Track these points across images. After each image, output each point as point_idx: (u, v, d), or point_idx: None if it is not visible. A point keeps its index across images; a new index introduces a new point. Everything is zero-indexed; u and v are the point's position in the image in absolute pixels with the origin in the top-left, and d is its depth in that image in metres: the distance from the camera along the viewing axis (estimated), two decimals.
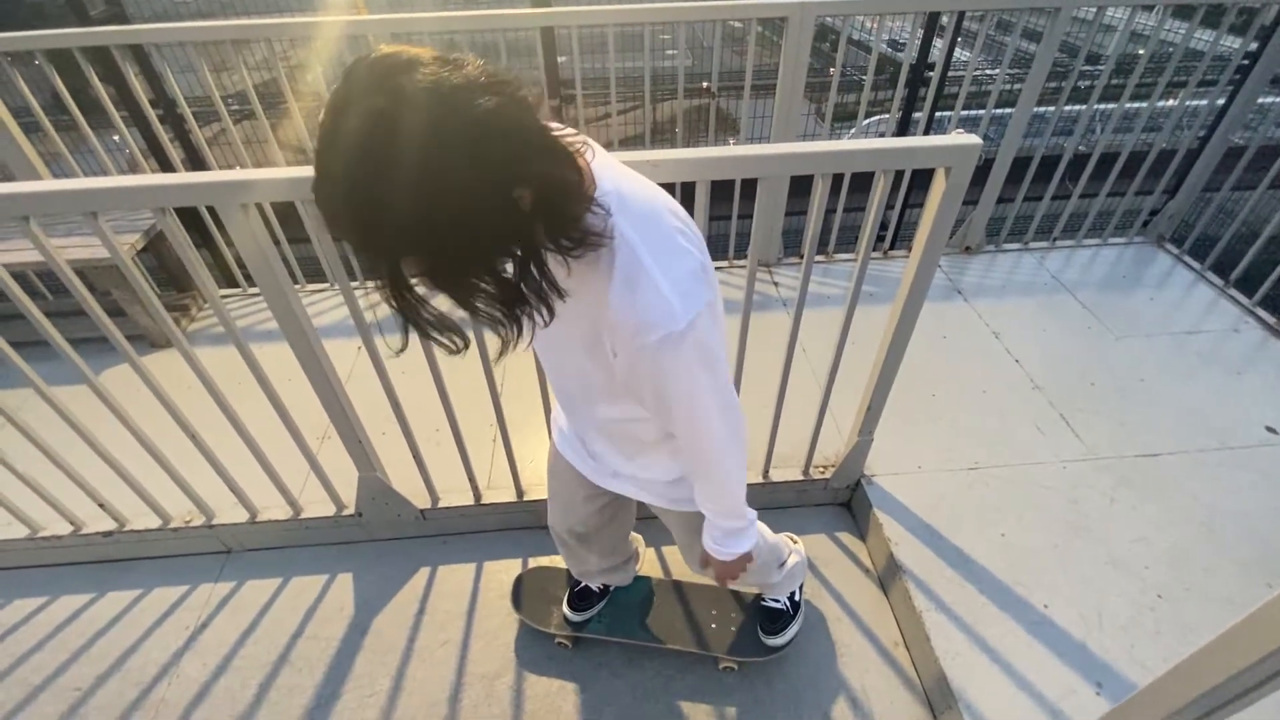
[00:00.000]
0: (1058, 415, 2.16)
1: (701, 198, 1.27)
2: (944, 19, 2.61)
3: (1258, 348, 2.44)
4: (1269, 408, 2.16)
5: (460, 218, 0.57)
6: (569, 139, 0.66)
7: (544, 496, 1.45)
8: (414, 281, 0.63)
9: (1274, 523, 1.79)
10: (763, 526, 1.40)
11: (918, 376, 2.26)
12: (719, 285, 0.85)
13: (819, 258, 3.02)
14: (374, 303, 0.72)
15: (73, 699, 1.59)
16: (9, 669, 1.65)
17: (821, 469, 1.93)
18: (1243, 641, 0.74)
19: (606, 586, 1.66)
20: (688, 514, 1.16)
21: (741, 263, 3.00)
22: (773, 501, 1.98)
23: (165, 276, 2.86)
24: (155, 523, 1.82)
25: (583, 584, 1.63)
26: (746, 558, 1.12)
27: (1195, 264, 2.88)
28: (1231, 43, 2.65)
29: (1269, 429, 2.08)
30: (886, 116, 2.83)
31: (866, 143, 1.21)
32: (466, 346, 0.70)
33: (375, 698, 1.59)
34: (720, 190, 1.50)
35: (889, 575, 1.75)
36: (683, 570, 1.78)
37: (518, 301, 0.67)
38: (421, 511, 1.86)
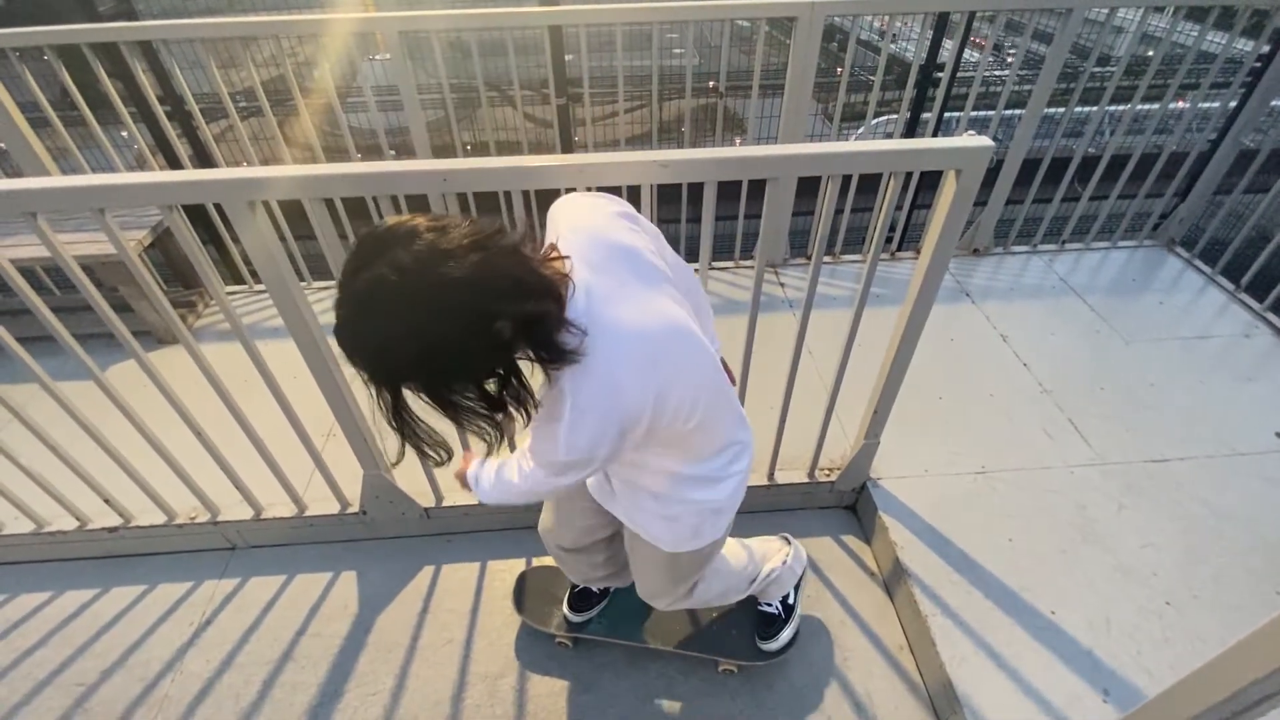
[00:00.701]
0: (1066, 420, 2.14)
1: (709, 198, 1.26)
2: (954, 18, 2.60)
3: (1268, 353, 2.41)
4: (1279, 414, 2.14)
5: (449, 353, 0.71)
6: (553, 270, 0.81)
7: None
8: (409, 403, 0.77)
9: None
10: (732, 543, 1.43)
11: (925, 379, 2.24)
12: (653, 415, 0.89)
13: (826, 259, 3.01)
14: None
15: (77, 694, 1.60)
16: (14, 664, 1.66)
17: (827, 471, 1.92)
18: (1254, 652, 0.73)
19: (607, 588, 1.65)
20: (656, 550, 1.16)
21: (748, 263, 2.99)
22: (777, 504, 1.97)
23: (172, 273, 2.88)
24: (160, 519, 1.83)
25: (583, 585, 1.63)
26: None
27: (1206, 268, 2.86)
28: (1244, 45, 2.63)
29: (1279, 435, 2.06)
30: (895, 117, 2.82)
31: (875, 144, 1.20)
32: (450, 459, 0.87)
33: (378, 696, 1.59)
34: (727, 190, 1.49)
35: (894, 579, 1.74)
36: None
37: (501, 410, 0.80)
38: (426, 510, 1.86)
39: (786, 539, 1.61)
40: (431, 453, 0.85)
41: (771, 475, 1.90)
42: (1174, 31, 2.50)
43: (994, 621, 1.59)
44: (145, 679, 1.62)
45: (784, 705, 1.56)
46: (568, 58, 2.63)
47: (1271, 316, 2.55)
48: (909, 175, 2.83)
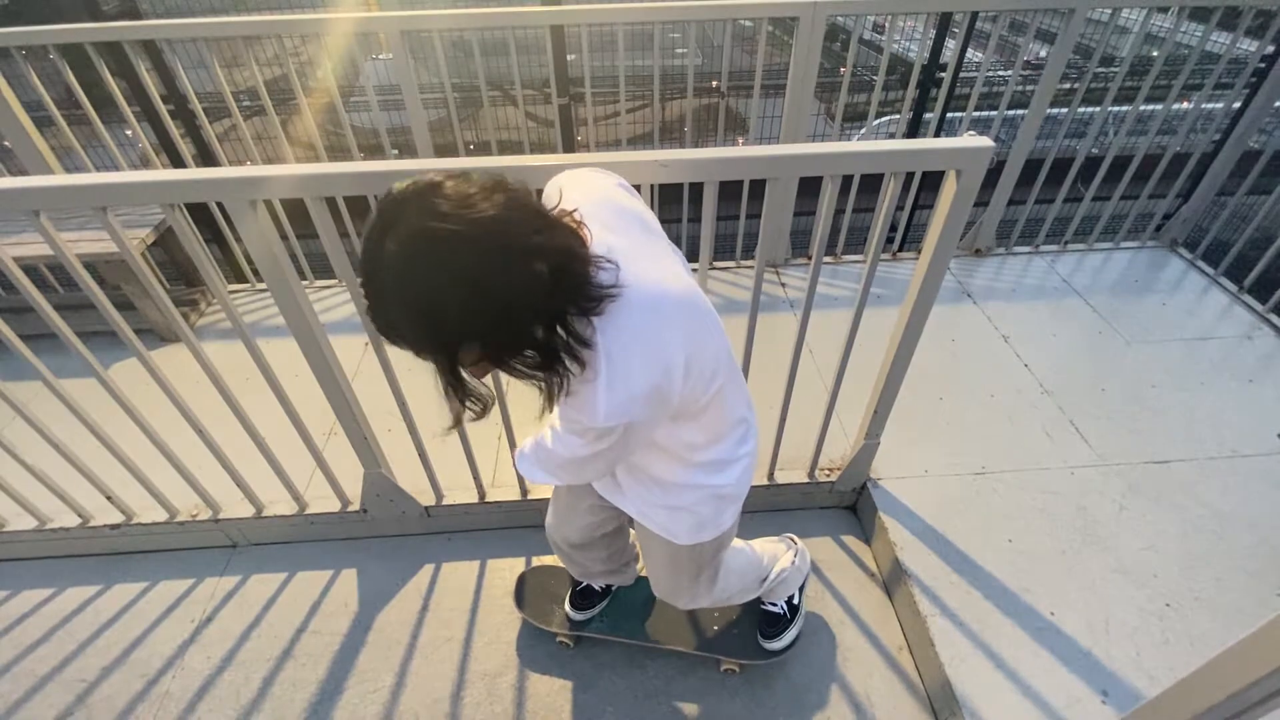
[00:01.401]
0: (1067, 421, 2.14)
1: (709, 198, 1.26)
2: (956, 18, 2.59)
3: (1271, 355, 2.41)
4: None
5: (501, 297, 0.67)
6: (568, 217, 0.78)
7: (548, 495, 1.45)
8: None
9: None
10: (740, 547, 1.42)
11: (925, 379, 2.25)
12: (701, 381, 0.89)
13: (827, 259, 3.01)
14: None
15: (79, 690, 1.60)
16: (16, 659, 1.67)
17: (827, 471, 1.92)
18: (1253, 654, 0.73)
19: (609, 586, 1.66)
20: (669, 544, 1.16)
21: (749, 263, 2.99)
22: (777, 503, 1.97)
23: (174, 271, 2.88)
24: (162, 516, 1.83)
25: (585, 583, 1.63)
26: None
27: (1209, 269, 2.85)
28: (1248, 45, 2.62)
29: None
30: (897, 117, 2.82)
31: (876, 144, 1.20)
32: (489, 409, 0.85)
33: (378, 693, 1.59)
34: (728, 190, 1.49)
35: (894, 579, 1.74)
36: None
37: (555, 360, 0.76)
38: (426, 509, 1.87)
39: (792, 540, 1.61)
40: (473, 408, 0.83)
41: (772, 475, 1.90)
42: (1178, 32, 2.49)
43: (993, 622, 1.59)
44: (146, 675, 1.63)
45: (783, 705, 1.56)
46: (570, 57, 2.63)
47: (1274, 318, 2.55)
48: (910, 176, 2.83)
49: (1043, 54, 2.54)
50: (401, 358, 1.48)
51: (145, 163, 2.60)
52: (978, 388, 2.28)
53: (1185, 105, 3.21)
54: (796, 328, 1.53)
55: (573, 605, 1.63)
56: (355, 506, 1.85)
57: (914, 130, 2.84)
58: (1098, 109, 2.67)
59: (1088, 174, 2.79)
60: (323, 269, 2.97)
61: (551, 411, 0.90)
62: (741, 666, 1.60)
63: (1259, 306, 2.60)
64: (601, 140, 5.39)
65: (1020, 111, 2.70)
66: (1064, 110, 2.70)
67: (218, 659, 1.66)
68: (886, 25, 2.44)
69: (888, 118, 5.18)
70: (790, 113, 2.51)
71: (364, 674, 1.63)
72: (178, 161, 2.62)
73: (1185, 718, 0.84)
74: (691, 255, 1.23)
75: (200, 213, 2.81)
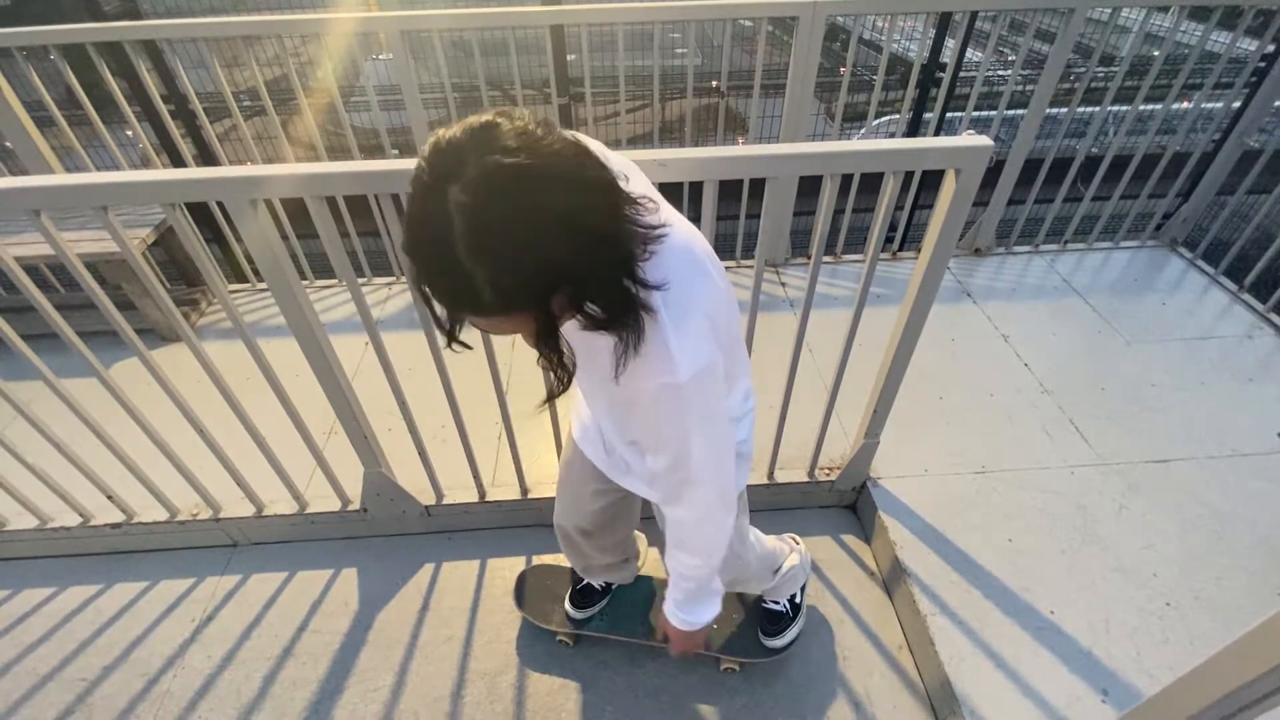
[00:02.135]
0: (1067, 420, 2.14)
1: (709, 197, 1.26)
2: (956, 18, 2.59)
3: (1271, 354, 2.41)
4: None
5: (590, 231, 0.61)
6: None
7: (548, 495, 1.46)
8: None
9: None
10: (757, 532, 1.41)
11: (925, 379, 2.25)
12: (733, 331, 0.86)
13: (827, 258, 3.01)
14: (381, 300, 0.75)
15: (80, 689, 1.61)
16: (17, 658, 1.67)
17: (827, 471, 1.92)
18: (1252, 651, 0.73)
19: (609, 584, 1.66)
20: None
21: (749, 263, 2.99)
22: (777, 503, 1.97)
23: (175, 271, 2.89)
24: (163, 515, 1.84)
25: (585, 581, 1.63)
26: (709, 628, 1.10)
27: (1208, 269, 2.85)
28: (1248, 45, 2.62)
29: None
30: (896, 117, 2.82)
31: (876, 143, 1.20)
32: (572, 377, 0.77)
33: (378, 693, 1.59)
34: (728, 190, 1.49)
35: (894, 578, 1.75)
36: None
37: (628, 311, 0.69)
38: (426, 508, 1.87)
39: (794, 540, 1.62)
40: (563, 375, 0.75)
41: (771, 474, 1.90)
42: (1177, 31, 2.49)
43: (993, 621, 1.59)
44: (147, 675, 1.63)
45: (783, 704, 1.56)
46: (570, 57, 2.63)
47: (1274, 317, 2.55)
48: (910, 175, 2.83)
49: (1044, 49, 2.55)
50: (403, 357, 1.49)
51: (146, 163, 2.60)
52: (977, 387, 2.28)
53: (1185, 105, 3.21)
54: (796, 327, 1.53)
55: (573, 604, 1.63)
56: (355, 506, 1.85)
57: (914, 130, 2.84)
58: (1097, 109, 2.67)
59: (1087, 173, 2.79)
60: (322, 269, 2.97)
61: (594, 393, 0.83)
62: (741, 665, 1.60)
63: (1259, 306, 2.60)
64: (601, 140, 5.39)
65: (1020, 111, 2.70)
66: (1064, 110, 2.70)
67: (218, 658, 1.66)
68: (886, 25, 2.45)
69: (887, 117, 5.19)
70: (790, 112, 2.52)
71: (364, 673, 1.63)
72: (178, 161, 2.63)
73: (1184, 716, 0.84)
74: None
75: (200, 213, 2.81)
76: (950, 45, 2.63)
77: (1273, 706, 0.75)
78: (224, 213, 2.72)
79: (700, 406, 0.79)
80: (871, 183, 2.14)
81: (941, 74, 2.67)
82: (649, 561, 1.80)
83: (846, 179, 1.60)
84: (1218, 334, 2.51)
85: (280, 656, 1.66)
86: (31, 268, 2.56)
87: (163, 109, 2.46)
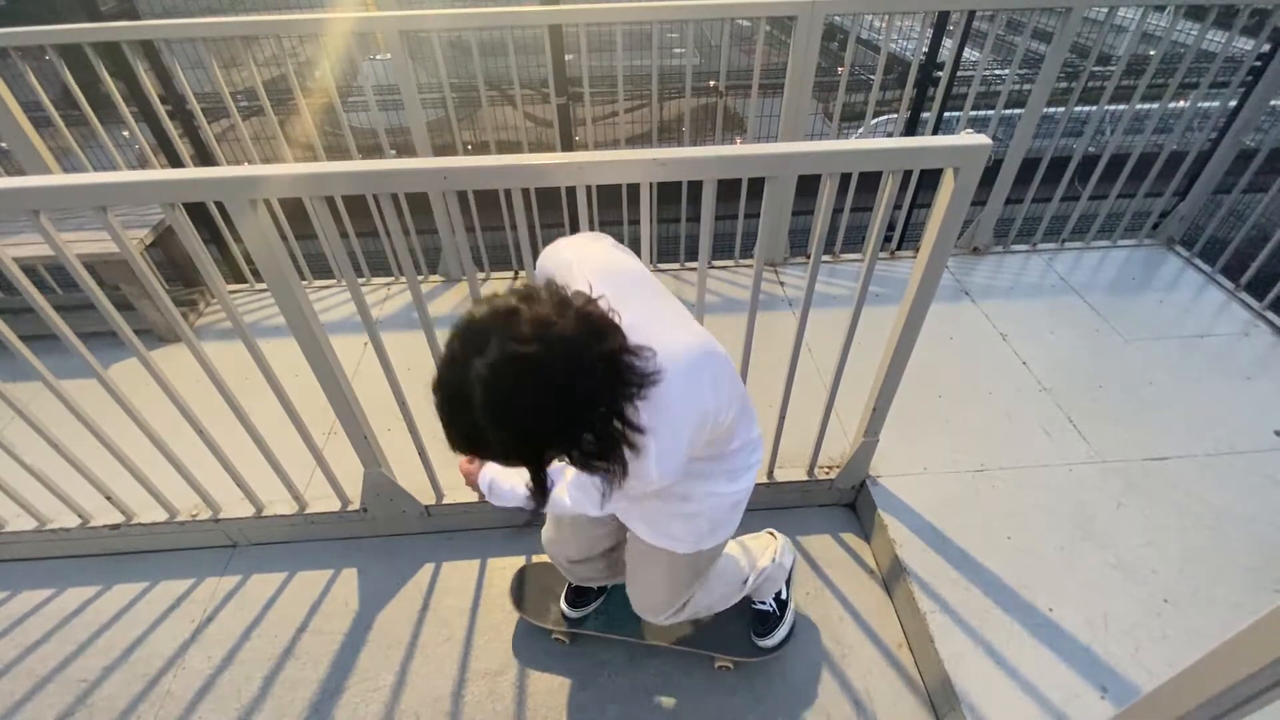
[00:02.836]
0: (1065, 418, 2.15)
1: (708, 197, 1.26)
2: (954, 18, 2.60)
3: (1268, 351, 2.42)
4: (1278, 412, 2.14)
5: (580, 403, 0.74)
6: (600, 308, 0.81)
7: None
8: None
9: None
10: (731, 549, 1.45)
11: (924, 377, 2.25)
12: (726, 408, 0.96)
13: (825, 258, 3.01)
14: (380, 299, 0.79)
15: (80, 690, 1.60)
16: (17, 660, 1.67)
17: (826, 469, 1.92)
18: (1249, 647, 0.74)
19: (605, 585, 1.66)
20: (670, 555, 1.19)
21: (748, 262, 2.99)
22: (777, 501, 1.97)
23: (172, 272, 2.88)
24: (162, 516, 1.83)
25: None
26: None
27: (1205, 267, 2.86)
28: (1244, 44, 2.63)
29: (1278, 433, 2.06)
30: (894, 116, 2.82)
31: (874, 142, 1.21)
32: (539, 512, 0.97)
33: (379, 693, 1.59)
34: (727, 189, 1.50)
35: (893, 576, 1.75)
36: None
37: (613, 448, 0.81)
38: (426, 508, 1.87)
39: (771, 534, 1.62)
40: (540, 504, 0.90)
41: (771, 473, 1.91)
42: (1174, 30, 2.50)
43: (992, 619, 1.59)
44: (147, 675, 1.63)
45: (783, 702, 1.56)
46: (568, 57, 2.63)
47: (1271, 315, 2.56)
48: (908, 174, 2.83)
49: (1041, 49, 2.55)
50: (402, 357, 1.49)
51: (143, 163, 2.60)
52: (976, 385, 2.29)
53: (1181, 103, 3.22)
54: (795, 326, 1.54)
55: (568, 602, 1.63)
56: (355, 506, 1.85)
57: (912, 129, 2.85)
58: (1094, 108, 2.68)
59: (1085, 172, 2.80)
60: (320, 269, 2.97)
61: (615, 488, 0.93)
62: (737, 663, 1.60)
63: (1255, 304, 2.61)
64: (600, 140, 5.39)
65: (1017, 110, 2.70)
66: (1061, 109, 2.70)
67: (218, 659, 1.66)
68: (884, 25, 2.45)
69: (885, 117, 5.19)
70: (788, 112, 2.52)
71: (364, 673, 1.63)
72: (176, 162, 2.62)
73: (1182, 711, 0.85)
74: (690, 255, 1.24)
75: (198, 213, 2.81)
76: (948, 45, 2.64)
77: (1270, 701, 0.76)
78: (222, 213, 2.71)
79: (655, 491, 0.95)
80: (870, 182, 2.15)
81: (939, 73, 2.68)
82: None
83: (845, 178, 1.60)
84: (1215, 332, 2.52)
85: (280, 657, 1.66)
86: (29, 269, 2.56)
87: (160, 109, 2.46)
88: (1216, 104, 2.76)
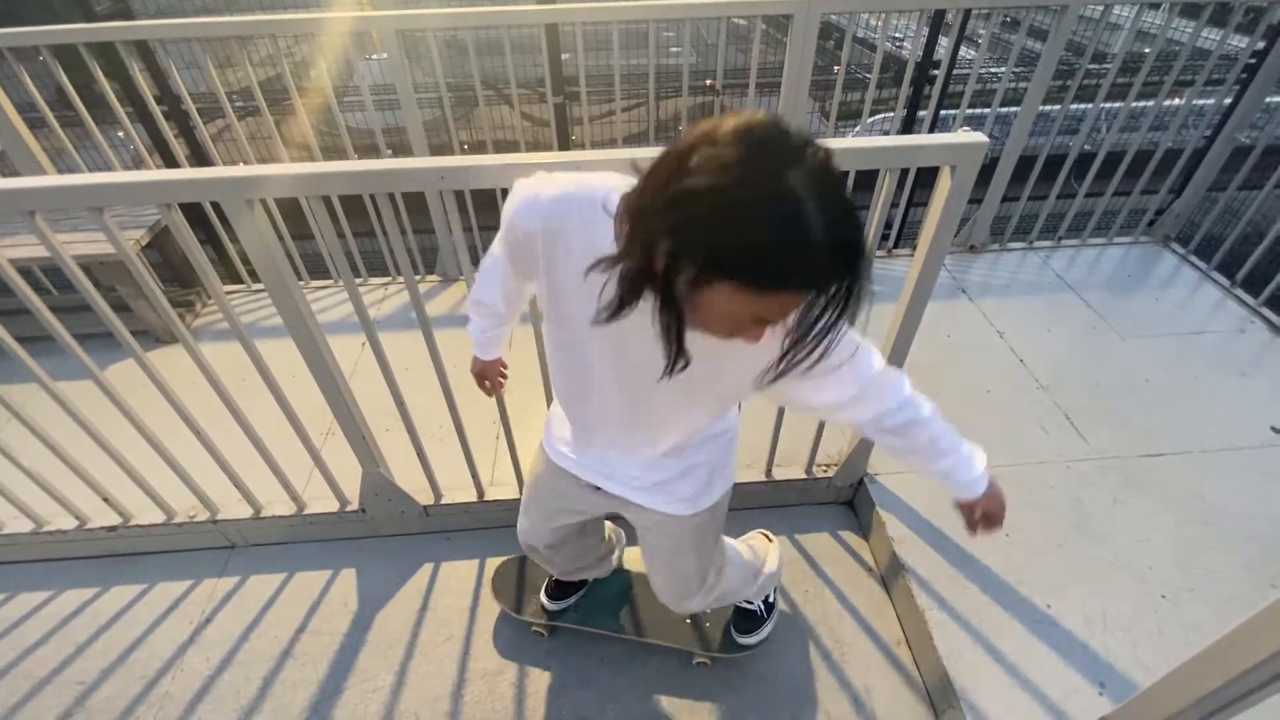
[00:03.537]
0: (1062, 415, 2.15)
1: None
2: (949, 16, 2.60)
3: (1263, 348, 2.43)
4: (1274, 408, 2.15)
5: None
6: None
7: None
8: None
9: (1278, 524, 1.79)
10: (733, 543, 1.44)
11: (921, 376, 2.23)
12: None
13: None
14: (377, 300, 0.74)
15: (77, 692, 1.60)
16: (14, 662, 1.66)
17: (824, 467, 1.93)
18: (1245, 643, 0.74)
19: (585, 579, 1.66)
20: (675, 526, 1.15)
21: None
22: (775, 500, 1.98)
23: (168, 273, 2.87)
24: (160, 518, 1.83)
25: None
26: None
27: (1201, 264, 2.87)
28: (1238, 42, 2.64)
29: (1274, 429, 2.07)
30: (891, 115, 2.83)
31: (871, 140, 1.21)
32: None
33: (378, 693, 1.59)
34: None
35: (891, 574, 1.75)
36: None
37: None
38: (425, 508, 1.87)
39: (767, 536, 1.62)
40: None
41: (769, 471, 1.91)
42: (1169, 28, 2.50)
43: (991, 616, 1.60)
44: (145, 677, 1.63)
45: (782, 700, 1.57)
46: (564, 56, 2.63)
47: (1266, 311, 2.57)
48: (905, 172, 2.84)
49: (1036, 47, 2.56)
50: (400, 357, 1.49)
51: (139, 163, 2.59)
52: (973, 383, 2.29)
53: (1177, 101, 3.23)
54: None
55: (548, 595, 1.63)
56: (354, 506, 1.85)
57: (908, 128, 2.85)
58: (1090, 105, 2.69)
59: (1081, 170, 2.80)
60: (316, 269, 2.97)
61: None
62: (712, 660, 1.60)
63: (1251, 300, 2.62)
64: (596, 139, 5.38)
65: (1013, 109, 2.71)
66: (1057, 107, 2.71)
67: (217, 660, 1.66)
68: (880, 23, 2.45)
69: (881, 115, 5.19)
70: (785, 110, 2.52)
71: (364, 673, 1.63)
72: (171, 162, 2.61)
73: (1179, 707, 0.85)
74: None
75: (193, 214, 2.80)
76: (944, 43, 2.64)
77: (1268, 696, 0.76)
78: (219, 213, 2.71)
79: None
80: (867, 180, 2.15)
81: (936, 72, 2.68)
82: (628, 557, 1.80)
83: None
84: (1210, 329, 2.53)
85: (279, 658, 1.66)
86: (25, 270, 2.55)
87: (155, 110, 2.45)
88: (1211, 101, 2.77)
